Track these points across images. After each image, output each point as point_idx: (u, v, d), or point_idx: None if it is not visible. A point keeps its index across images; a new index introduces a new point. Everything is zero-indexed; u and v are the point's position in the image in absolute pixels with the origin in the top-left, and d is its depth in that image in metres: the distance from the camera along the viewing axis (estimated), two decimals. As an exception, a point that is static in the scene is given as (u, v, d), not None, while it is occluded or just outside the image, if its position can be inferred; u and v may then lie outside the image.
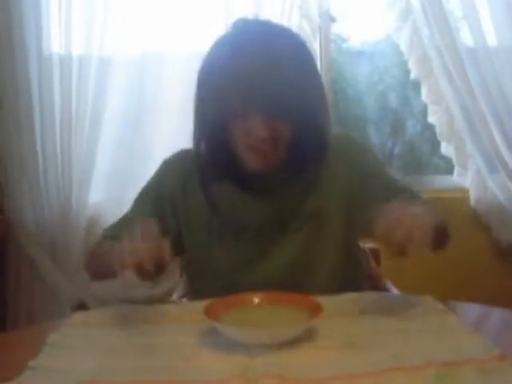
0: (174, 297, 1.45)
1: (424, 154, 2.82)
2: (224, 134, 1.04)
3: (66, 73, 1.92)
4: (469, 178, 2.24)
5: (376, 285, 1.32)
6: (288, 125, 1.02)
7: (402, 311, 0.96)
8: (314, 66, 1.08)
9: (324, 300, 0.91)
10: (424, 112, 2.29)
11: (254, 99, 0.98)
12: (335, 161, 1.12)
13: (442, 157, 2.34)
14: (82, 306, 2.01)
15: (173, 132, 2.04)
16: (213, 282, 1.15)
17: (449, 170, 2.34)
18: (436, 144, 2.30)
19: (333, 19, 2.25)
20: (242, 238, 1.11)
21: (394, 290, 1.30)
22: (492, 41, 2.17)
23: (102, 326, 0.93)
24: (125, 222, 1.12)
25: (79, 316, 0.99)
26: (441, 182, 2.42)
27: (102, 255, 1.04)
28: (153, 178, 1.21)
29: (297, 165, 1.08)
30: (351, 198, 1.12)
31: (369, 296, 1.05)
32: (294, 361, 0.77)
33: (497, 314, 1.02)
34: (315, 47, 2.17)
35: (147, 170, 2.01)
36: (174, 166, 1.19)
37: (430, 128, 2.28)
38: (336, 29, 2.67)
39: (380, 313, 0.96)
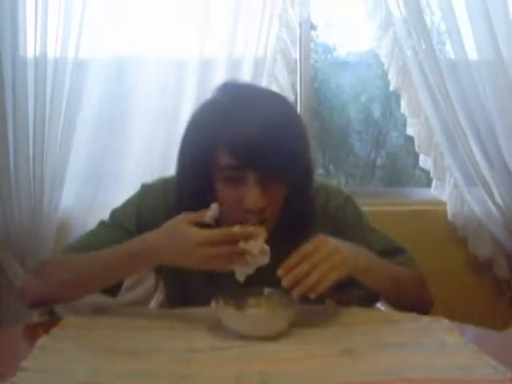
0: (152, 304, 1.42)
1: (406, 166, 2.82)
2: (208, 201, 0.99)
3: (40, 75, 1.89)
4: (446, 191, 2.23)
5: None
6: (281, 189, 1.01)
7: (399, 325, 0.94)
8: (302, 128, 1.06)
9: (314, 309, 0.91)
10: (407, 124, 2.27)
11: (249, 158, 0.95)
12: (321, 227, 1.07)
13: (424, 169, 2.33)
14: (50, 312, 1.97)
15: (148, 136, 2.03)
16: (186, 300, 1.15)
17: (430, 182, 2.32)
18: (418, 156, 2.29)
19: (313, 27, 2.24)
20: (219, 279, 1.02)
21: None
22: (472, 54, 2.16)
23: (92, 331, 0.93)
24: (85, 246, 1.10)
25: (69, 320, 0.98)
26: (419, 194, 2.41)
27: (83, 263, 1.03)
28: (129, 204, 1.16)
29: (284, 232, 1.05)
30: None
31: (359, 309, 1.04)
32: (289, 369, 0.75)
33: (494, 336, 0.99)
34: (295, 56, 2.16)
35: (121, 175, 2.02)
36: (154, 197, 1.15)
37: (412, 140, 2.27)
38: (322, 38, 2.66)
39: (374, 325, 0.94)
